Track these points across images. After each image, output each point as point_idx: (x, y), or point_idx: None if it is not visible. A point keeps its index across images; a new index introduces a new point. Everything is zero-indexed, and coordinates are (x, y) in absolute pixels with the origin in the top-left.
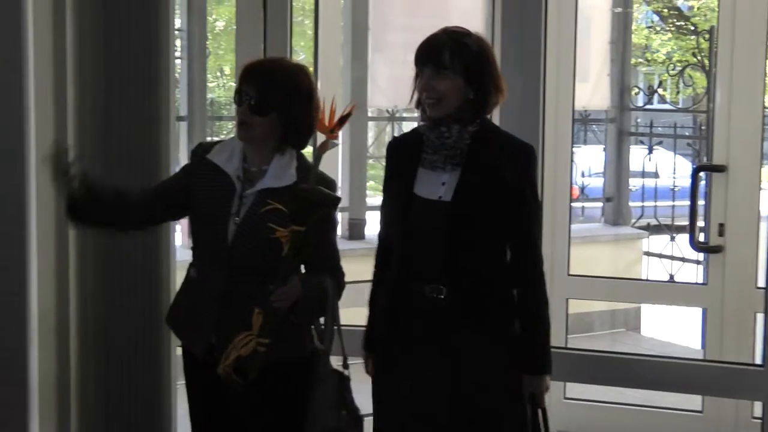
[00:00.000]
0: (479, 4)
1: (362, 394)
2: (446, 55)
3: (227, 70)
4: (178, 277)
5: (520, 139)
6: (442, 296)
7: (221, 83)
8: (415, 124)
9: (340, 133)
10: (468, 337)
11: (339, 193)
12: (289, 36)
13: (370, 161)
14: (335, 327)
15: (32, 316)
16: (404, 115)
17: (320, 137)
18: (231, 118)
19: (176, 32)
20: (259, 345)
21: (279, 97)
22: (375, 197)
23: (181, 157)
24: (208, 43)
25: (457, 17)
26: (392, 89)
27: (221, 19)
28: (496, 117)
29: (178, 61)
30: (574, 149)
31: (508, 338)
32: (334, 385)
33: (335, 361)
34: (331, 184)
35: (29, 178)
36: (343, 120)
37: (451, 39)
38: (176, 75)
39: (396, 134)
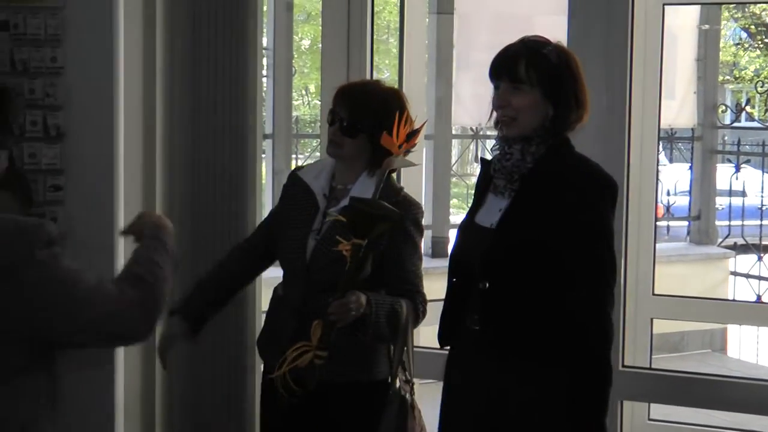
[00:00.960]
0: (564, 21)
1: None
2: (522, 67)
3: (312, 88)
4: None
5: (597, 168)
6: (477, 327)
7: (306, 101)
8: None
9: (423, 153)
10: (495, 374)
11: (423, 214)
12: (371, 54)
13: (454, 179)
14: (407, 352)
15: None
16: (488, 133)
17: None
18: (315, 135)
19: (263, 51)
20: (316, 357)
21: (369, 121)
22: (458, 215)
23: (266, 175)
24: (293, 61)
25: (542, 34)
26: (476, 107)
27: (306, 38)
28: (579, 138)
29: (264, 80)
30: (659, 167)
31: (549, 390)
32: (394, 412)
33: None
34: (414, 206)
35: (118, 194)
36: (411, 136)
37: (527, 49)
38: (263, 93)
39: (480, 152)
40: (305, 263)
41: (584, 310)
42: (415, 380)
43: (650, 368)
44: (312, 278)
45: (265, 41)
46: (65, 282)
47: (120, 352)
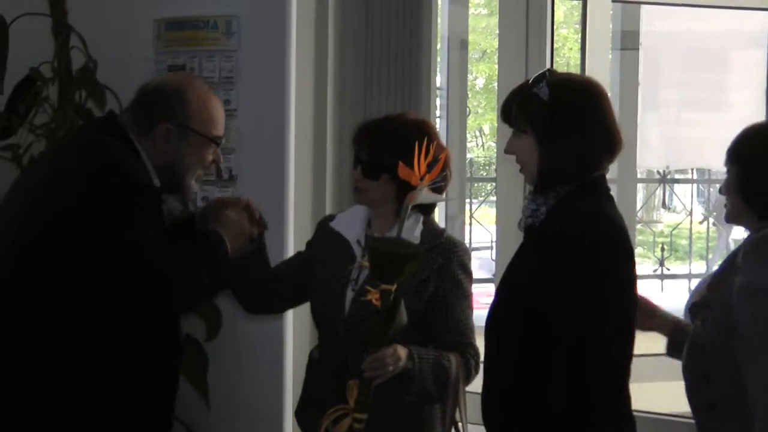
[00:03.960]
0: (764, 55)
1: None
2: (513, 110)
3: (487, 129)
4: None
5: (581, 218)
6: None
7: (480, 143)
8: (688, 187)
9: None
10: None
11: (470, 256)
12: None
13: (639, 226)
14: (460, 412)
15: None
16: (677, 176)
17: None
18: (490, 179)
19: (436, 91)
20: (355, 421)
21: (390, 159)
22: (643, 264)
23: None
24: (467, 101)
25: (740, 71)
26: (663, 149)
27: (481, 77)
28: None
29: (437, 120)
30: None
31: None
32: None
33: None
34: (459, 248)
35: (288, 237)
36: (432, 166)
37: (520, 89)
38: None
39: (667, 198)
40: (343, 318)
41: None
42: None
43: None
44: (352, 335)
45: (438, 80)
46: None
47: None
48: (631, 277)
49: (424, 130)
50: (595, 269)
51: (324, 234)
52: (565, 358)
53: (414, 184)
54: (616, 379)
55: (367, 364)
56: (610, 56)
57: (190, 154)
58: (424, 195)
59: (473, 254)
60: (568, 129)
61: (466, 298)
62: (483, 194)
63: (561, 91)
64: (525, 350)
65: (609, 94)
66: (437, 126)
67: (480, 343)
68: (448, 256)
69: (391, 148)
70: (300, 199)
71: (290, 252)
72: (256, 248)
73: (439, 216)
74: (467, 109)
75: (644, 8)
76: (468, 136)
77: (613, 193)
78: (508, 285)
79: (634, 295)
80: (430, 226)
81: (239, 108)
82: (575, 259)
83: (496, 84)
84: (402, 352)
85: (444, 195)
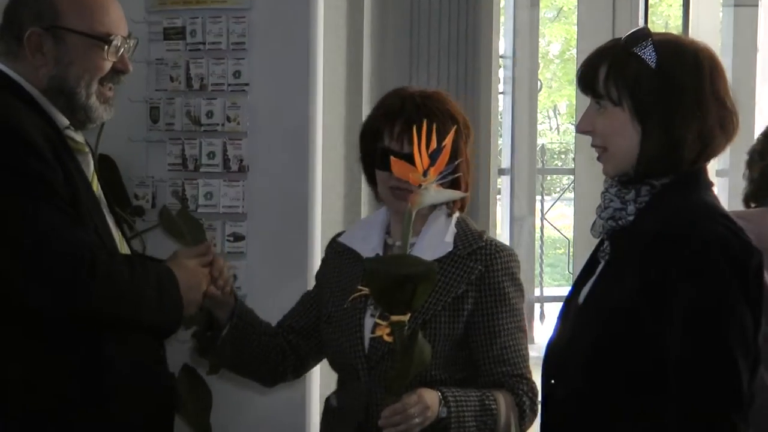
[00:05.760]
0: None
1: None
2: (601, 76)
3: (562, 107)
4: None
5: (704, 222)
6: None
7: (554, 125)
8: None
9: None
10: None
11: (519, 264)
12: None
13: None
14: None
15: None
16: None
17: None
18: (567, 170)
19: (499, 60)
20: None
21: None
22: None
23: (501, 223)
24: (539, 73)
25: None
26: None
27: (556, 41)
28: None
29: (500, 97)
30: None
31: None
32: None
33: None
34: (505, 253)
35: (314, 245)
36: (435, 156)
37: (613, 50)
38: (498, 115)
39: None
40: (363, 353)
41: None
42: None
43: None
44: (375, 374)
45: (502, 46)
46: None
47: None
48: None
49: (439, 101)
50: (731, 290)
51: (335, 255)
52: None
53: (414, 183)
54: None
55: (385, 420)
56: (721, 14)
57: (76, 62)
58: (432, 195)
59: (546, 264)
60: (685, 104)
61: (516, 316)
62: (559, 189)
63: (672, 54)
64: (629, 394)
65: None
66: (499, 105)
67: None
68: (490, 263)
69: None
70: (329, 199)
71: (315, 270)
72: (236, 324)
73: (502, 218)
74: (538, 82)
75: None
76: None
77: (723, 186)
78: (596, 309)
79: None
80: (465, 226)
81: (252, 82)
82: (707, 275)
83: (574, 51)
84: (430, 397)
85: (464, 188)
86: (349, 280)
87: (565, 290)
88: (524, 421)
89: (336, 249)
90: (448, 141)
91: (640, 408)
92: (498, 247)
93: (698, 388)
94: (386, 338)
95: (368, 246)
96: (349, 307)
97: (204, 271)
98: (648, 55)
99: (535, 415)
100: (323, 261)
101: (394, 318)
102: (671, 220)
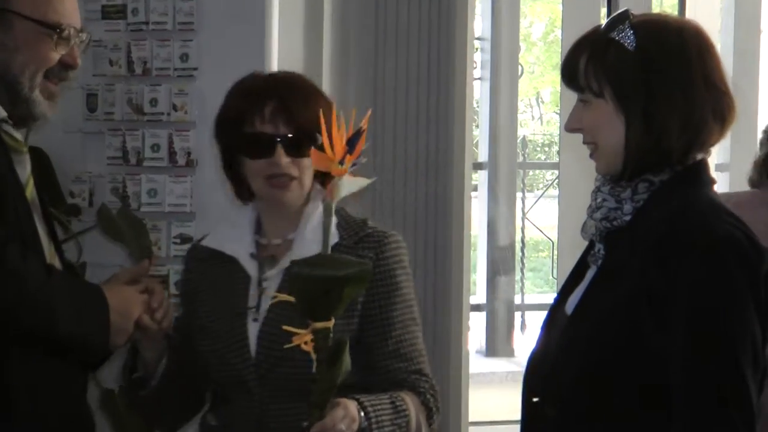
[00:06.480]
0: None
1: None
2: (581, 67)
3: (546, 95)
4: None
5: (709, 220)
6: None
7: (536, 114)
8: None
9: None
10: None
11: (407, 249)
12: None
13: None
14: None
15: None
16: None
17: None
18: (551, 165)
19: (473, 42)
20: None
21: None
22: None
23: (479, 224)
24: (520, 56)
25: None
26: None
27: (539, 21)
28: None
29: (477, 84)
30: None
31: None
32: None
33: None
34: (392, 240)
35: None
36: (353, 141)
37: (592, 37)
38: (473, 103)
39: None
40: (251, 362)
41: None
42: None
43: None
44: (266, 383)
45: (478, 28)
46: None
47: None
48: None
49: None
50: (741, 297)
51: (197, 262)
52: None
53: (334, 173)
54: None
55: None
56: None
57: (22, 49)
58: (347, 184)
59: (528, 269)
60: (668, 90)
61: (410, 306)
62: (542, 185)
63: (653, 36)
64: (628, 412)
65: (718, 45)
66: (476, 92)
67: (503, 391)
68: (380, 250)
69: (315, 114)
70: None
71: None
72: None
73: (479, 218)
74: (519, 67)
75: None
76: (520, 105)
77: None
78: (589, 319)
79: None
80: (345, 214)
81: (201, 66)
82: (715, 280)
83: (559, 32)
84: (352, 407)
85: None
86: (225, 285)
87: (548, 297)
88: (432, 421)
89: (197, 255)
90: (365, 123)
91: (641, 427)
92: (386, 234)
93: (704, 404)
94: (305, 347)
95: (240, 247)
96: (228, 315)
97: (141, 298)
98: (626, 38)
99: (440, 415)
100: (185, 271)
101: (319, 325)
102: (675, 220)
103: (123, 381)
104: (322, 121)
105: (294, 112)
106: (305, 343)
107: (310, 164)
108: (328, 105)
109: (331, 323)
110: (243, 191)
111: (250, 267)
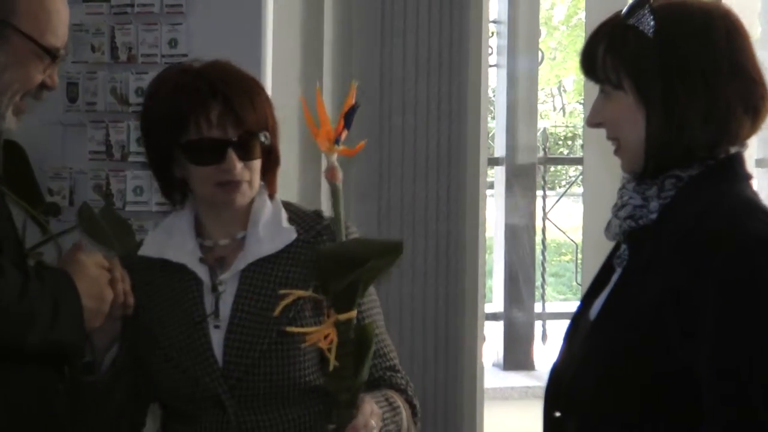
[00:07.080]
0: None
1: None
2: (599, 58)
3: (569, 84)
4: None
5: (745, 220)
6: None
7: (558, 105)
8: None
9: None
10: None
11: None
12: None
13: None
14: None
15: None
16: None
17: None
18: (575, 160)
19: (489, 26)
20: None
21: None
22: None
23: (495, 224)
24: (540, 42)
25: None
26: None
27: (561, 4)
28: None
29: (493, 71)
30: None
31: None
32: None
33: None
34: (349, 227)
35: None
36: (349, 117)
37: (609, 23)
38: (488, 92)
39: None
40: (218, 371)
41: None
42: None
43: None
44: (237, 394)
45: (494, 10)
46: None
47: None
48: None
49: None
50: None
51: (136, 275)
52: None
53: (329, 151)
54: None
55: None
56: None
57: (12, 68)
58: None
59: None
60: (687, 76)
61: (374, 301)
62: (564, 183)
63: (674, 18)
64: (654, 425)
65: (758, 30)
66: (491, 80)
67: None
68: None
69: (265, 113)
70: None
71: None
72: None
73: (495, 218)
74: (539, 53)
75: None
76: (540, 94)
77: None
78: (612, 325)
79: None
80: (294, 207)
81: (191, 53)
82: (746, 282)
83: (583, 14)
84: (373, 402)
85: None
86: (174, 293)
87: (572, 305)
88: (417, 419)
89: (138, 267)
90: (350, 98)
91: None
92: (345, 225)
93: (735, 417)
94: (321, 345)
95: (185, 253)
96: (184, 322)
97: (104, 276)
98: (645, 23)
99: (419, 411)
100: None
101: (343, 316)
102: (704, 218)
103: (70, 367)
104: (304, 105)
105: (241, 114)
106: (325, 337)
107: (259, 164)
108: (266, 96)
109: (354, 313)
110: (175, 193)
111: (201, 272)
